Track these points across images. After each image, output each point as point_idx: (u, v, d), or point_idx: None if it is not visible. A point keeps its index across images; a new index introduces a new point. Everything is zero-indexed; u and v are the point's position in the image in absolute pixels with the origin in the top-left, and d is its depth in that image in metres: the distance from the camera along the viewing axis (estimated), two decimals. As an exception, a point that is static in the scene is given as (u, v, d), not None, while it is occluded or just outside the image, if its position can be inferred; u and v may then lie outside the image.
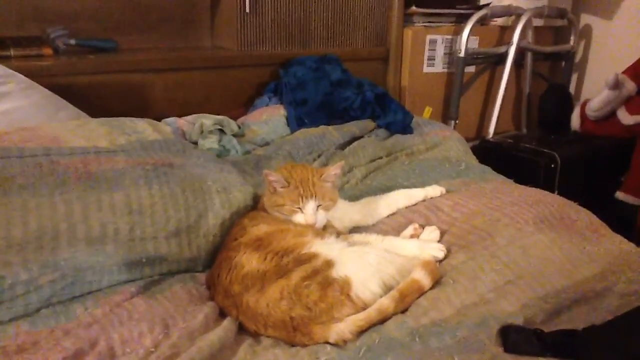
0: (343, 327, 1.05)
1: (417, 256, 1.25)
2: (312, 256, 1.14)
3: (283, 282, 1.11)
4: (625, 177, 2.42)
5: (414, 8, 2.51)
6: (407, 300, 1.11)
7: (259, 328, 1.10)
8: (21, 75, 1.71)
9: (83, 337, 1.03)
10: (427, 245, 1.30)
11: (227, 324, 1.11)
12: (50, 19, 2.10)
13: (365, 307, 1.09)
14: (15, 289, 1.10)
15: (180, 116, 1.96)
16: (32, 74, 1.74)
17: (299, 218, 1.32)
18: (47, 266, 1.14)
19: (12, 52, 1.91)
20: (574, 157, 2.39)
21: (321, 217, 1.33)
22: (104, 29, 2.21)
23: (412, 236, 1.37)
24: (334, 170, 1.37)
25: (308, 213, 1.31)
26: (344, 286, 1.10)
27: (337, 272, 1.11)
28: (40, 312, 1.10)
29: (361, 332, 1.05)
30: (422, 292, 1.14)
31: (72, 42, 2.07)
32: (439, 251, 1.28)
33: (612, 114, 2.55)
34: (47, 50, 1.99)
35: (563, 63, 2.95)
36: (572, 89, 3.02)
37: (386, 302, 1.09)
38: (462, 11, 2.62)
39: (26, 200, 1.21)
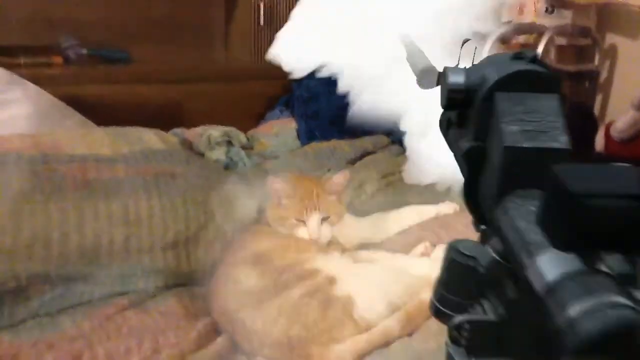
0: (343, 349, 0.98)
1: (427, 276, 1.17)
2: (314, 272, 1.08)
3: (282, 299, 1.04)
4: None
5: (432, 23, 2.46)
6: (414, 322, 1.03)
7: (254, 348, 1.04)
8: (29, 82, 1.69)
9: (66, 350, 0.98)
10: (439, 264, 1.22)
11: (221, 341, 1.05)
12: (63, 28, 2.08)
13: (369, 328, 1.02)
14: (2, 298, 1.06)
15: (190, 128, 1.92)
16: (40, 82, 1.72)
17: (302, 233, 1.25)
18: (37, 277, 1.09)
19: (22, 60, 1.90)
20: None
21: (326, 232, 1.25)
22: (117, 38, 2.19)
23: (422, 255, 1.29)
24: (337, 179, 1.30)
25: (311, 226, 1.24)
26: (346, 305, 1.03)
27: (340, 290, 1.05)
28: (26, 323, 1.05)
29: (363, 355, 0.98)
30: (430, 315, 1.06)
31: (84, 51, 2.06)
32: (450, 271, 1.20)
33: (638, 135, 2.45)
34: (57, 59, 1.98)
35: (587, 83, 2.86)
36: (596, 109, 2.93)
37: (391, 324, 1.02)
38: (482, 28, 2.56)
39: (20, 207, 1.17)
